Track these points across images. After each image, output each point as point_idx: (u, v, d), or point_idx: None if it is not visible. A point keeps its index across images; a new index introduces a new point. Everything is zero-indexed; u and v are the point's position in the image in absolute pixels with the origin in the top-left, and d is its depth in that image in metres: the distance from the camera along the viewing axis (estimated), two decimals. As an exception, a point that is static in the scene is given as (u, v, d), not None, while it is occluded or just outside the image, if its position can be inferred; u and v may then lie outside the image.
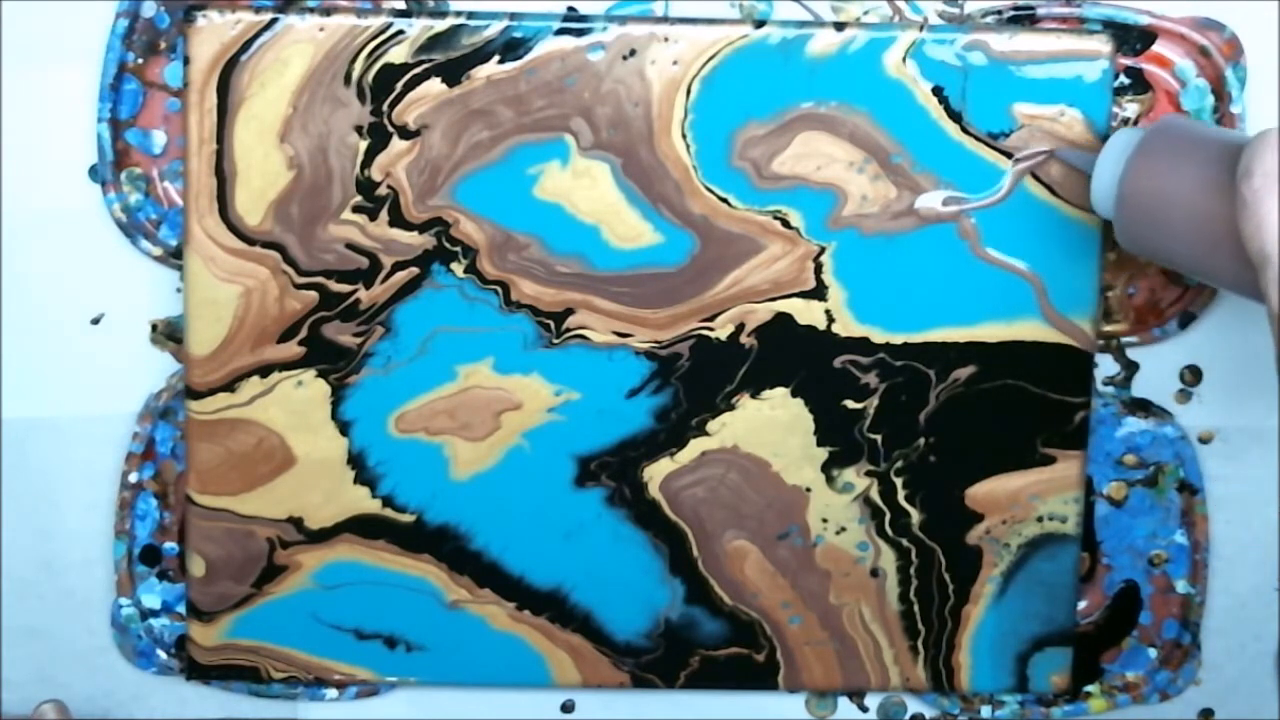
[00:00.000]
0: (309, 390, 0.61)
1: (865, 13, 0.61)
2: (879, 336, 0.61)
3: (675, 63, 0.60)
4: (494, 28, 0.60)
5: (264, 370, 0.61)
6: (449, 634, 0.63)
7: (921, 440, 0.62)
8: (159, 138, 0.62)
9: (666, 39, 0.60)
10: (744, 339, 0.61)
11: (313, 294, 0.61)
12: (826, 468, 0.62)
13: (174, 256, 0.62)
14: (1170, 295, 0.63)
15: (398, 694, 0.65)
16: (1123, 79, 0.62)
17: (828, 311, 0.61)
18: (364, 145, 0.60)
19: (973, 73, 0.60)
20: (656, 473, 0.62)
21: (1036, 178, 0.60)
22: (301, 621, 0.63)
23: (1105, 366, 0.64)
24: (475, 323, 0.61)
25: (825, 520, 0.63)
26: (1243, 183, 0.49)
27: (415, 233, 0.61)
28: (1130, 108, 0.62)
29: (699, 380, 0.62)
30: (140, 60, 0.62)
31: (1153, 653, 0.65)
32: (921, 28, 0.60)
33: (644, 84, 0.60)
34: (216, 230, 0.60)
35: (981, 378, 0.62)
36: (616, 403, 0.62)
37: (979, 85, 0.60)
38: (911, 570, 0.63)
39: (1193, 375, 0.64)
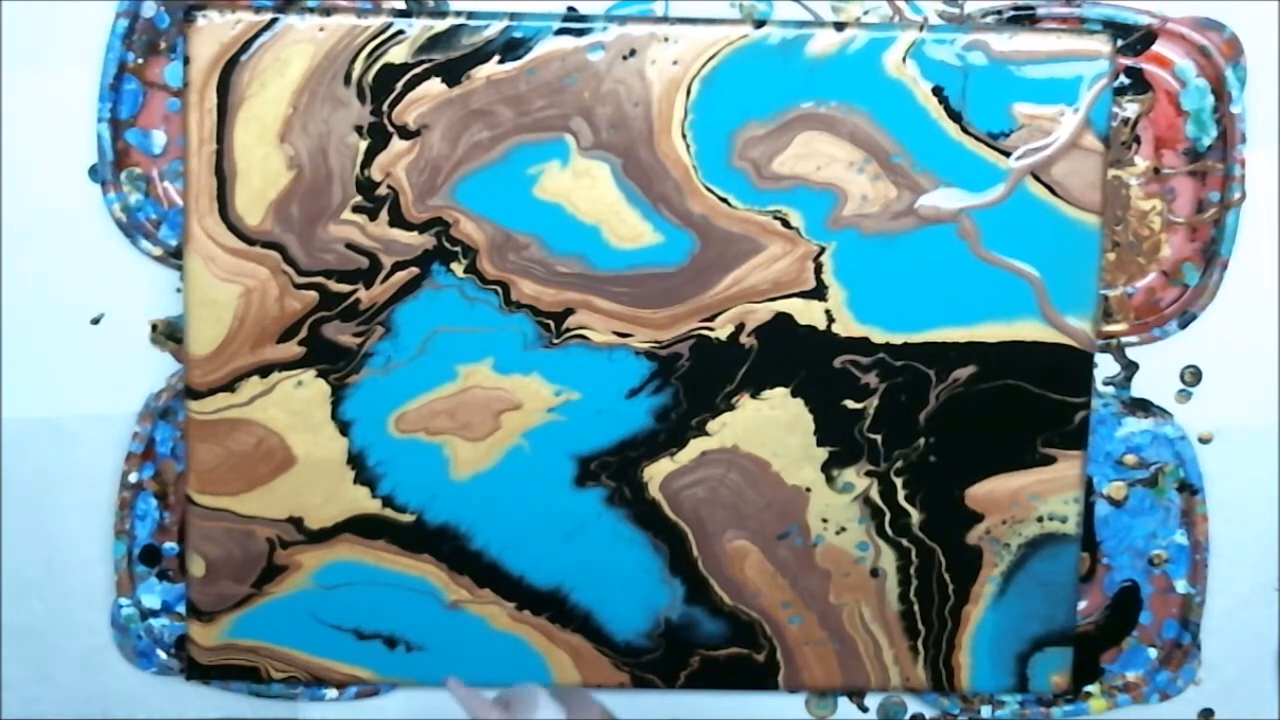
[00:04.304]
0: (309, 390, 0.61)
1: (865, 13, 0.61)
2: (879, 336, 0.61)
3: (675, 63, 0.60)
4: (494, 28, 0.60)
5: (264, 370, 0.61)
6: (449, 634, 0.63)
7: (921, 440, 0.62)
8: (159, 138, 0.62)
9: (666, 39, 0.60)
10: (744, 339, 0.61)
11: (313, 294, 0.61)
12: (826, 468, 0.62)
13: (174, 256, 0.62)
14: (1170, 295, 0.63)
15: (398, 694, 0.65)
16: (1123, 79, 0.62)
17: (828, 311, 0.61)
18: (364, 145, 0.60)
19: (973, 73, 0.60)
20: (656, 473, 0.62)
21: (1037, 178, 0.60)
22: (301, 621, 0.63)
23: (1105, 366, 0.64)
24: (475, 323, 0.61)
25: (825, 520, 0.63)
26: None
27: (415, 233, 0.60)
28: (1130, 108, 0.62)
29: (699, 380, 0.62)
30: (140, 60, 0.62)
31: (1153, 653, 0.65)
32: (921, 28, 0.60)
33: (644, 84, 0.60)
34: (216, 230, 0.60)
35: (981, 378, 0.62)
36: (616, 403, 0.62)
37: (979, 85, 0.60)
38: (911, 570, 0.63)
39: (1193, 375, 0.64)
